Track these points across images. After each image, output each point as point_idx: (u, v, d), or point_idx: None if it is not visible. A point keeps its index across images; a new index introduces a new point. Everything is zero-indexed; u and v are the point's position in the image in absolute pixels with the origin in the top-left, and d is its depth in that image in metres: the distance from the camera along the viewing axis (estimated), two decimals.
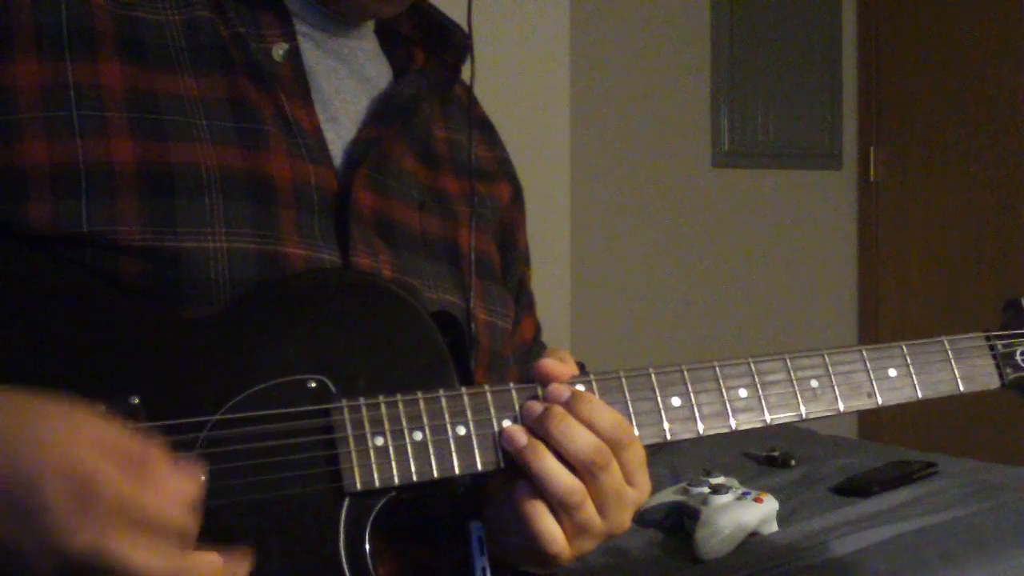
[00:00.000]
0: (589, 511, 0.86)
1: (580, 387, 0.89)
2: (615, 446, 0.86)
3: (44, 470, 0.70)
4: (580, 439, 0.85)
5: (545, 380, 0.89)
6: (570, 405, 0.86)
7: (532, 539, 0.86)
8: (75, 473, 0.70)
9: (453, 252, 1.04)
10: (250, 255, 0.88)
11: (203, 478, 0.76)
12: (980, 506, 1.82)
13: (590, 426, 0.85)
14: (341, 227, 0.94)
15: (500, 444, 0.86)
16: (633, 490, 0.88)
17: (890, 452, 2.29)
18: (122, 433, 0.73)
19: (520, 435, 0.86)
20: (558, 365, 0.89)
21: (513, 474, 0.87)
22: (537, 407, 0.86)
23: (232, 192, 0.89)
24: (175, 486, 0.73)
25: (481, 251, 1.07)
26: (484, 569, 0.90)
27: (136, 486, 0.71)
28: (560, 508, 0.85)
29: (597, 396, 0.89)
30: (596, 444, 0.85)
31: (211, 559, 0.74)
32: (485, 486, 0.93)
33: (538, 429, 0.86)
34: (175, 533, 0.72)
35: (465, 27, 1.10)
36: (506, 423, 0.87)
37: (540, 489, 0.85)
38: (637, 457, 0.88)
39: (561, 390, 0.87)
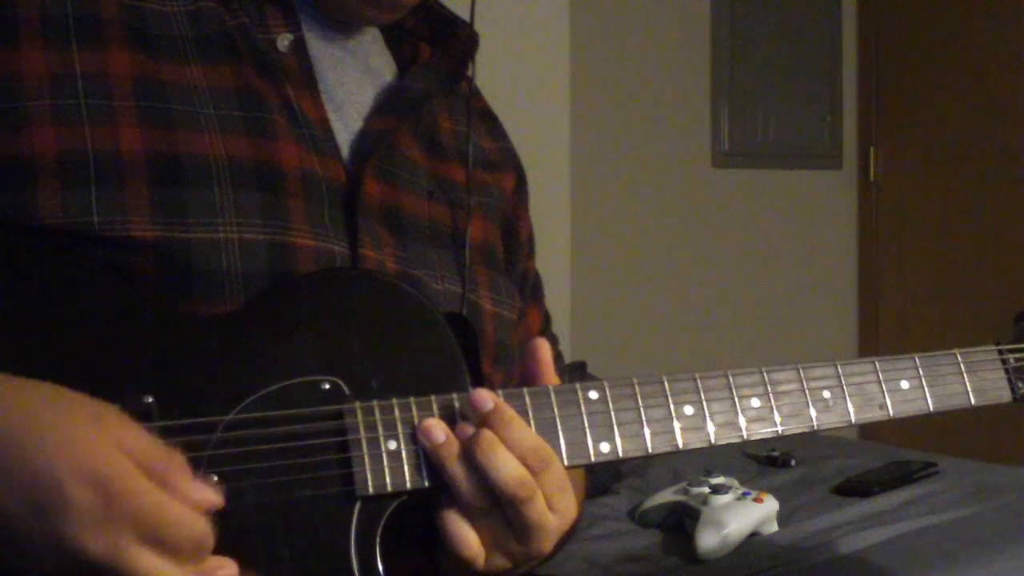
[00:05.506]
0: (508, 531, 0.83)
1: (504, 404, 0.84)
2: (535, 469, 0.82)
3: (68, 467, 0.68)
4: (504, 467, 0.81)
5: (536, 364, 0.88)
6: (491, 422, 0.82)
7: (445, 542, 0.83)
8: (100, 474, 0.68)
9: (460, 242, 1.04)
10: (260, 246, 0.87)
11: (222, 492, 0.75)
12: (980, 506, 1.82)
13: (511, 447, 0.81)
14: (349, 219, 0.94)
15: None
16: (555, 516, 0.84)
17: (890, 452, 2.29)
18: (146, 437, 0.72)
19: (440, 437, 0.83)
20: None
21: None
22: (469, 429, 0.83)
23: (241, 182, 0.88)
24: (196, 496, 0.72)
25: (486, 241, 1.07)
26: None
27: (158, 493, 0.70)
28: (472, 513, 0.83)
29: (553, 409, 0.86)
30: (520, 476, 0.81)
31: (223, 564, 0.73)
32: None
33: (466, 452, 0.82)
34: (192, 544, 0.71)
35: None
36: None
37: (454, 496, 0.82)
38: (558, 479, 0.83)
39: (484, 398, 0.83)
